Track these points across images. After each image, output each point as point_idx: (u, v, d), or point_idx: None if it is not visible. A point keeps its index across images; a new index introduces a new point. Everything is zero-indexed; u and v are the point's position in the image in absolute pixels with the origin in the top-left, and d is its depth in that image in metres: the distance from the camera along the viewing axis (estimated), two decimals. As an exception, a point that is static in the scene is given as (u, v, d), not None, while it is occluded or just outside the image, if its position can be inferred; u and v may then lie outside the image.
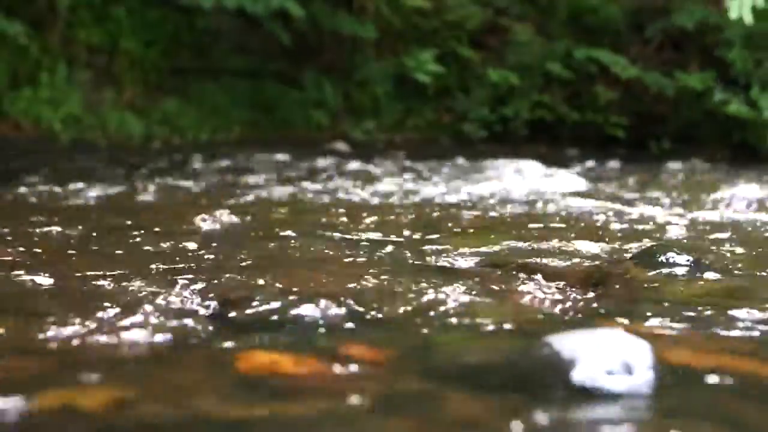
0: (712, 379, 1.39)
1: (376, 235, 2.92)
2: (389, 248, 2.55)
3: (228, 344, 1.54)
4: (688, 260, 2.28)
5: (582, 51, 9.69)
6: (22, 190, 4.36)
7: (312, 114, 9.53)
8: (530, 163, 6.00)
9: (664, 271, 2.15)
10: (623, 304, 1.86)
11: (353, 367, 1.41)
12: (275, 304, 1.73)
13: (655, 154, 9.02)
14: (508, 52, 10.06)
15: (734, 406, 1.26)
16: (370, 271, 2.15)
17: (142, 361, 1.44)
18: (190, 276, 2.00)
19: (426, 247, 2.58)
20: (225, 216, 3.15)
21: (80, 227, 2.93)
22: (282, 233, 2.94)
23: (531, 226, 3.25)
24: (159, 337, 1.57)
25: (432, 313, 1.74)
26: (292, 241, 2.75)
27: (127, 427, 1.16)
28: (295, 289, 1.84)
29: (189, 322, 1.66)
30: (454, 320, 1.71)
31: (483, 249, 2.53)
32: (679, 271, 2.17)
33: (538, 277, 2.13)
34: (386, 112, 9.88)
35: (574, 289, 2.04)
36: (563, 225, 3.27)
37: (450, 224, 3.35)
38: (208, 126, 9.02)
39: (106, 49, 8.95)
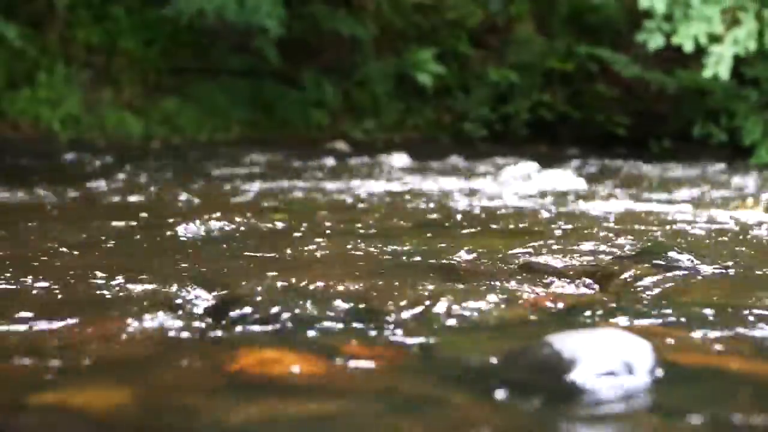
0: (713, 378, 1.39)
1: (376, 235, 2.91)
2: (390, 248, 2.54)
3: (228, 343, 1.53)
4: (688, 259, 2.27)
5: (583, 48, 9.70)
6: (23, 189, 4.36)
7: (312, 114, 9.53)
8: (530, 163, 6.00)
9: (665, 270, 2.15)
10: (623, 304, 1.86)
11: (354, 367, 1.41)
12: (276, 303, 1.72)
13: (656, 152, 9.03)
14: (509, 51, 10.06)
15: (735, 405, 1.25)
16: (372, 270, 2.15)
17: (142, 360, 1.44)
18: (190, 275, 2.00)
19: (427, 247, 2.58)
20: (224, 215, 3.15)
21: (77, 227, 2.93)
22: (283, 232, 2.94)
23: (531, 225, 3.25)
24: (158, 336, 1.56)
25: (433, 313, 1.74)
26: (293, 240, 2.75)
27: (126, 427, 1.15)
28: (295, 288, 1.83)
29: (189, 320, 1.65)
30: (455, 320, 1.71)
31: (484, 249, 2.53)
32: (680, 270, 2.16)
33: (539, 276, 2.12)
34: (386, 111, 9.88)
35: (574, 289, 2.03)
36: (563, 224, 3.26)
37: (450, 224, 3.35)
38: (208, 126, 9.02)
39: (105, 49, 8.95)
